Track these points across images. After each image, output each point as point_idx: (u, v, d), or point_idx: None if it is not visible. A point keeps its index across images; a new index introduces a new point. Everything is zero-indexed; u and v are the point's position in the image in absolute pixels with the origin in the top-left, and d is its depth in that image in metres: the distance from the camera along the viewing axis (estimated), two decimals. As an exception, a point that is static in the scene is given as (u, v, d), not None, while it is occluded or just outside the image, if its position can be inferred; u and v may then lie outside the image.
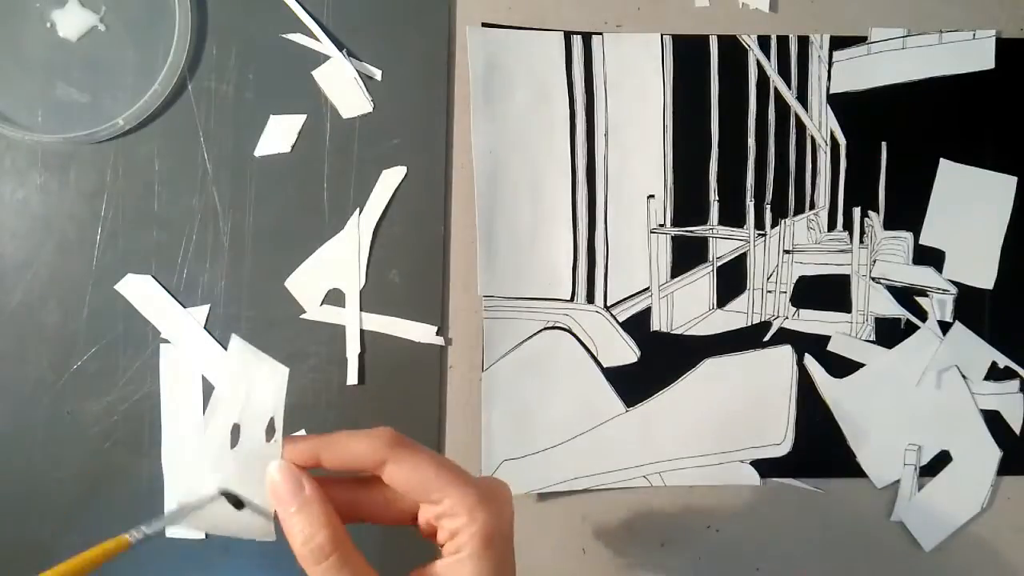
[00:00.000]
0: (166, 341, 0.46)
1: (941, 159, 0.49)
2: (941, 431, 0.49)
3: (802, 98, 0.49)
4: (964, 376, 0.49)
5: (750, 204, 0.49)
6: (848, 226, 0.49)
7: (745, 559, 0.48)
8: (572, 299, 0.48)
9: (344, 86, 0.47)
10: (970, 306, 0.49)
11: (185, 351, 0.46)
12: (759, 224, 0.49)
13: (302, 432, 0.46)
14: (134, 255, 0.46)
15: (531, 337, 0.47)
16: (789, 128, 0.49)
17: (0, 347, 0.45)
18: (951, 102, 0.49)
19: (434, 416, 0.47)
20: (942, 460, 0.49)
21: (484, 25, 0.47)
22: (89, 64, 0.46)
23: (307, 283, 0.46)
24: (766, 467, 0.48)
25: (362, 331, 0.47)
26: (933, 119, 0.49)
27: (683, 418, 0.48)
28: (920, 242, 0.49)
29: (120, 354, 0.46)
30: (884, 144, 0.49)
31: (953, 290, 0.49)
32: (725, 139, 0.48)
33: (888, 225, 0.49)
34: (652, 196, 0.48)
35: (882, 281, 0.49)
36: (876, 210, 0.49)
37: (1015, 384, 0.49)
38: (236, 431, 0.29)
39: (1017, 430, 0.49)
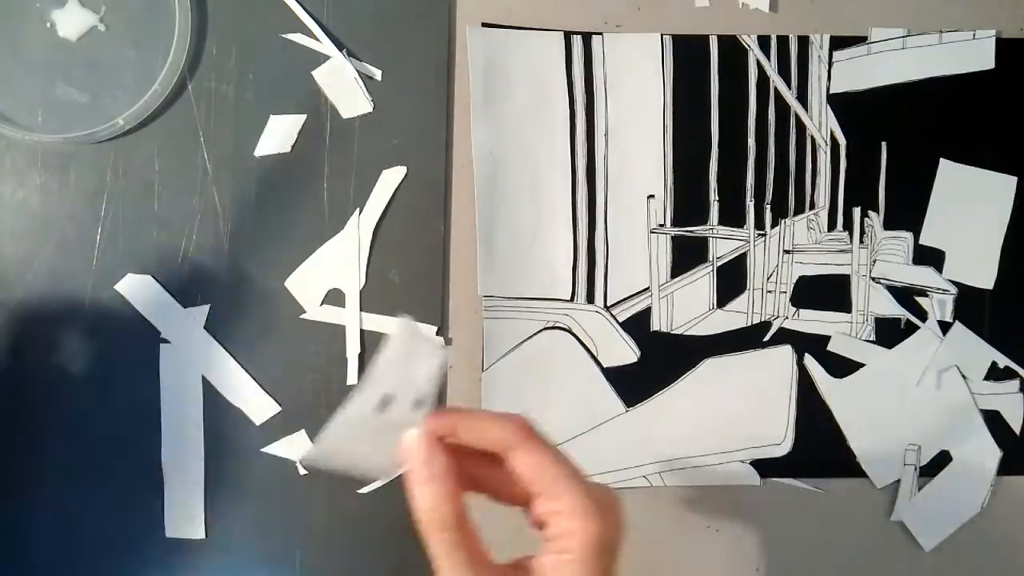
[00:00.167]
0: (166, 341, 0.46)
1: (941, 159, 0.49)
2: (941, 431, 0.49)
3: (802, 98, 0.49)
4: (964, 376, 0.49)
5: (750, 204, 0.49)
6: (848, 226, 0.49)
7: (745, 559, 0.48)
8: (572, 299, 0.48)
9: (344, 86, 0.47)
10: (970, 306, 0.49)
11: (185, 351, 0.46)
12: (759, 224, 0.49)
13: (301, 432, 0.46)
14: (134, 255, 0.46)
15: (531, 337, 0.47)
16: (789, 128, 0.49)
17: (0, 347, 0.45)
18: (951, 102, 0.49)
19: (434, 416, 0.47)
20: (942, 460, 0.49)
21: (484, 25, 0.47)
22: (89, 64, 0.46)
23: (307, 283, 0.46)
24: (766, 467, 0.48)
25: (362, 331, 0.47)
26: (933, 119, 0.49)
27: (683, 418, 0.48)
28: (920, 242, 0.49)
29: (120, 354, 0.46)
30: (884, 144, 0.49)
31: (953, 290, 0.49)
32: (725, 139, 0.48)
33: (888, 225, 0.49)
34: (652, 196, 0.48)
35: (882, 281, 0.49)
36: (876, 210, 0.49)
37: (1015, 384, 0.49)
38: (387, 401, 0.31)
39: (1017, 430, 0.49)
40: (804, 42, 0.49)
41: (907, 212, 0.49)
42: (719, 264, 0.49)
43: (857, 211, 0.49)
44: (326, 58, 0.47)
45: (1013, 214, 0.49)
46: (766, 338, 0.49)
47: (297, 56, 0.47)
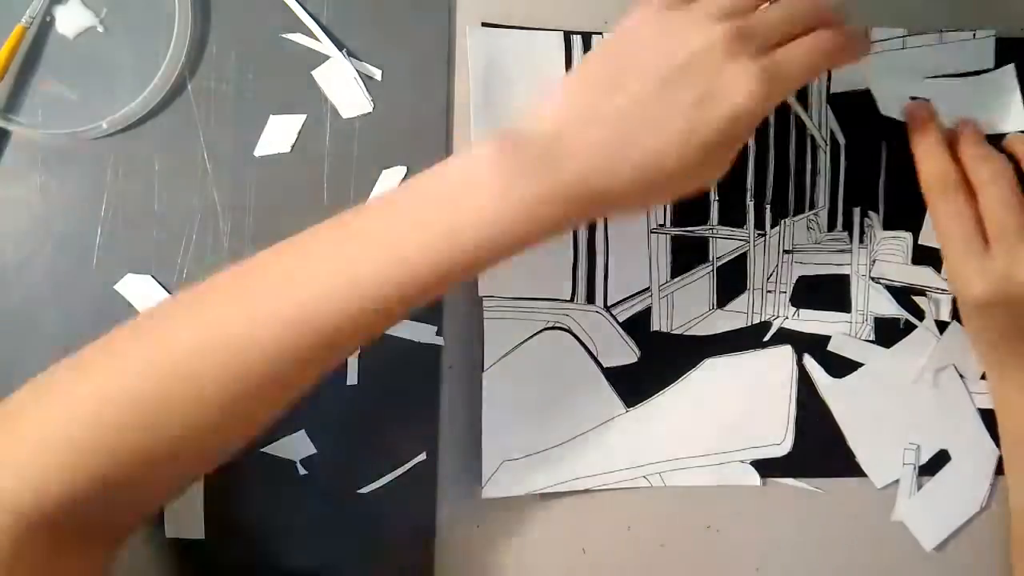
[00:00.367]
0: (166, 341, 0.46)
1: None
2: (940, 430, 0.49)
3: (802, 98, 0.49)
4: (961, 375, 0.49)
5: (750, 204, 0.49)
6: (848, 226, 0.49)
7: (745, 559, 0.49)
8: (572, 299, 0.48)
9: (344, 86, 0.47)
10: (969, 306, 0.49)
11: (185, 351, 0.46)
12: (759, 224, 0.49)
13: (301, 432, 0.46)
14: (134, 255, 0.46)
15: (531, 337, 0.47)
16: (789, 128, 0.49)
17: (0, 347, 0.45)
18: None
19: (434, 416, 0.47)
20: (941, 459, 0.49)
21: (484, 25, 0.47)
22: (83, 63, 0.46)
23: (307, 283, 0.46)
24: (766, 467, 0.48)
25: (362, 331, 0.47)
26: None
27: (683, 418, 0.48)
28: (919, 242, 0.49)
29: (120, 354, 0.46)
30: (884, 144, 0.49)
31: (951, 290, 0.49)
32: (725, 139, 0.48)
33: (887, 225, 0.49)
34: (652, 196, 0.48)
35: (881, 281, 0.49)
36: (876, 210, 0.49)
37: (1014, 384, 0.49)
38: None
39: (1016, 430, 0.49)
40: (804, 42, 0.49)
41: (906, 212, 0.49)
42: (719, 264, 0.49)
43: (857, 211, 0.49)
44: (326, 58, 0.47)
45: (1012, 214, 0.49)
46: (766, 338, 0.49)
47: (297, 56, 0.47)
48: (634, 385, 0.48)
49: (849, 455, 0.49)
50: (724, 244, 0.49)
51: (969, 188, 0.43)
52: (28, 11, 0.45)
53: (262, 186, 0.46)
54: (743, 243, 0.49)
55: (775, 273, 0.49)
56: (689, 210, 0.48)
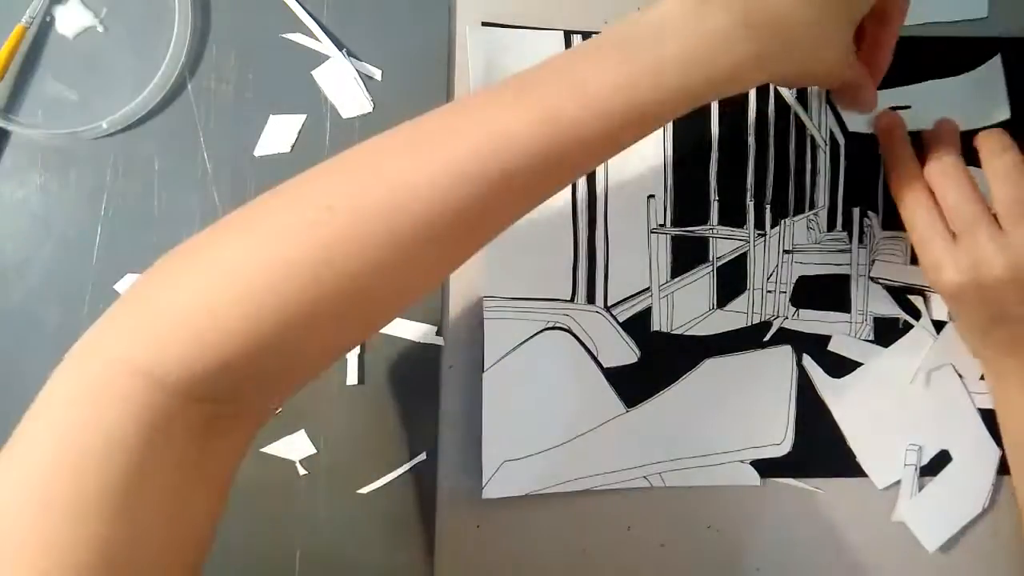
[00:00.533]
0: (166, 341, 0.46)
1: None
2: (940, 431, 0.49)
3: (802, 98, 0.49)
4: (960, 375, 0.49)
5: (750, 204, 0.49)
6: (847, 226, 0.49)
7: (745, 559, 0.49)
8: (572, 299, 0.48)
9: (344, 86, 0.47)
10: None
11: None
12: (759, 224, 0.49)
13: (301, 432, 0.46)
14: (134, 255, 0.46)
15: (531, 337, 0.47)
16: (789, 128, 0.49)
17: (0, 347, 0.45)
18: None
19: (434, 416, 0.47)
20: (942, 460, 0.49)
21: (484, 25, 0.47)
22: (83, 63, 0.46)
23: (307, 283, 0.46)
24: (766, 467, 0.48)
25: (362, 331, 0.47)
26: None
27: (683, 418, 0.48)
28: (919, 242, 0.49)
29: (120, 354, 0.46)
30: (883, 144, 0.49)
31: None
32: (725, 139, 0.48)
33: (887, 225, 0.49)
34: (652, 196, 0.48)
35: (880, 281, 0.49)
36: (875, 210, 0.49)
37: (1014, 384, 0.49)
38: None
39: (1016, 430, 0.49)
40: (804, 42, 0.49)
41: (906, 212, 0.49)
42: (719, 264, 0.49)
43: (856, 211, 0.49)
44: (326, 58, 0.47)
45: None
46: (766, 338, 0.49)
47: (297, 56, 0.47)
48: (634, 385, 0.48)
49: (849, 455, 0.48)
50: (724, 244, 0.49)
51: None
52: (28, 11, 0.45)
53: (262, 186, 0.46)
54: (743, 243, 0.49)
55: (775, 273, 0.49)
56: (689, 210, 0.48)
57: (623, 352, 0.48)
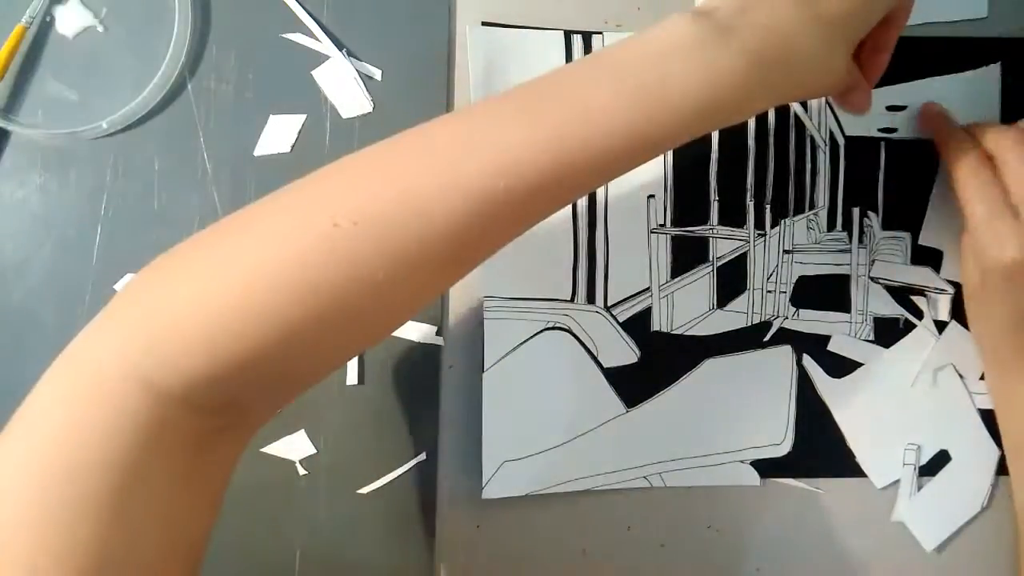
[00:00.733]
0: (166, 341, 0.46)
1: (941, 159, 0.49)
2: (940, 430, 0.49)
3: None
4: (961, 376, 0.49)
5: (750, 204, 0.49)
6: (847, 226, 0.49)
7: (745, 559, 0.49)
8: (572, 299, 0.48)
9: (344, 86, 0.47)
10: (967, 305, 0.49)
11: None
12: (759, 224, 0.49)
13: (301, 432, 0.46)
14: (134, 255, 0.46)
15: (531, 337, 0.47)
16: (789, 128, 0.49)
17: (0, 347, 0.45)
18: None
19: (434, 416, 0.47)
20: (942, 460, 0.49)
21: (484, 25, 0.47)
22: (83, 63, 0.46)
23: (307, 283, 0.46)
24: (766, 467, 0.48)
25: (362, 331, 0.46)
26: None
27: (683, 418, 0.48)
28: (919, 242, 0.49)
29: (120, 354, 0.46)
30: (883, 144, 0.49)
31: (950, 290, 0.49)
32: (725, 139, 0.48)
33: (886, 225, 0.49)
34: (652, 196, 0.48)
35: (880, 281, 0.49)
36: (875, 210, 0.49)
37: (1014, 384, 0.49)
38: None
39: (1016, 430, 0.49)
40: (804, 42, 0.49)
41: (906, 212, 0.49)
42: (719, 264, 0.49)
43: (856, 211, 0.49)
44: (326, 58, 0.47)
45: (1012, 214, 0.49)
46: (766, 338, 0.49)
47: (297, 56, 0.47)
48: (634, 385, 0.48)
49: (849, 455, 0.49)
50: (724, 244, 0.49)
51: (992, 165, 0.44)
52: (28, 11, 0.45)
53: (262, 186, 0.46)
54: (743, 243, 0.49)
55: (775, 273, 0.49)
56: (689, 210, 0.48)
57: (623, 352, 0.48)
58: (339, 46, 0.47)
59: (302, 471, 0.46)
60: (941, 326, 0.49)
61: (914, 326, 0.49)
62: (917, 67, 0.49)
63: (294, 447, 0.46)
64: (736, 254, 0.49)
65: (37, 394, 0.29)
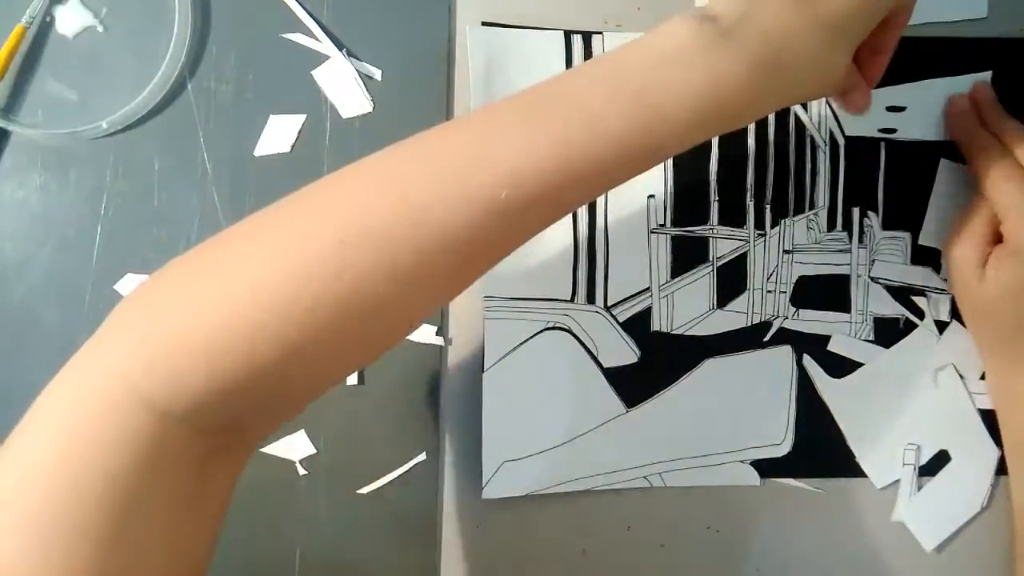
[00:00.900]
0: (166, 341, 0.46)
1: (941, 159, 0.49)
2: (940, 431, 0.49)
3: (802, 98, 0.49)
4: (961, 376, 0.49)
5: (750, 204, 0.49)
6: (847, 226, 0.49)
7: (745, 559, 0.49)
8: (572, 299, 0.48)
9: (344, 86, 0.47)
10: (968, 306, 0.49)
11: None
12: (759, 224, 0.49)
13: (301, 432, 0.46)
14: (134, 255, 0.46)
15: (531, 337, 0.47)
16: (789, 128, 0.49)
17: (0, 347, 0.45)
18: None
19: (434, 416, 0.47)
20: (941, 460, 0.49)
21: (484, 25, 0.47)
22: (83, 63, 0.46)
23: (307, 283, 0.46)
24: (766, 467, 0.48)
25: (362, 331, 0.46)
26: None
27: (683, 418, 0.48)
28: (919, 242, 0.49)
29: (120, 354, 0.46)
30: (883, 144, 0.49)
31: (950, 290, 0.49)
32: (725, 139, 0.48)
33: (887, 225, 0.49)
34: (652, 196, 0.48)
35: (880, 281, 0.49)
36: (875, 210, 0.49)
37: (1014, 384, 0.49)
38: None
39: (1016, 430, 0.49)
40: (804, 42, 0.49)
41: (906, 212, 0.49)
42: (719, 264, 0.49)
43: (856, 211, 0.49)
44: (326, 58, 0.47)
45: (1012, 214, 0.49)
46: (766, 338, 0.49)
47: (297, 56, 0.47)
48: (634, 385, 0.48)
49: (849, 455, 0.48)
50: (724, 244, 0.49)
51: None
52: (28, 11, 0.45)
53: (262, 186, 0.46)
54: (743, 243, 0.49)
55: (775, 273, 0.49)
56: (689, 210, 0.48)
57: (623, 352, 0.48)
58: (339, 46, 0.47)
59: (302, 471, 0.46)
60: (941, 326, 0.49)
61: (914, 326, 0.49)
62: (917, 68, 0.49)
63: (294, 447, 0.46)
64: (736, 254, 0.49)
65: (38, 409, 0.29)
